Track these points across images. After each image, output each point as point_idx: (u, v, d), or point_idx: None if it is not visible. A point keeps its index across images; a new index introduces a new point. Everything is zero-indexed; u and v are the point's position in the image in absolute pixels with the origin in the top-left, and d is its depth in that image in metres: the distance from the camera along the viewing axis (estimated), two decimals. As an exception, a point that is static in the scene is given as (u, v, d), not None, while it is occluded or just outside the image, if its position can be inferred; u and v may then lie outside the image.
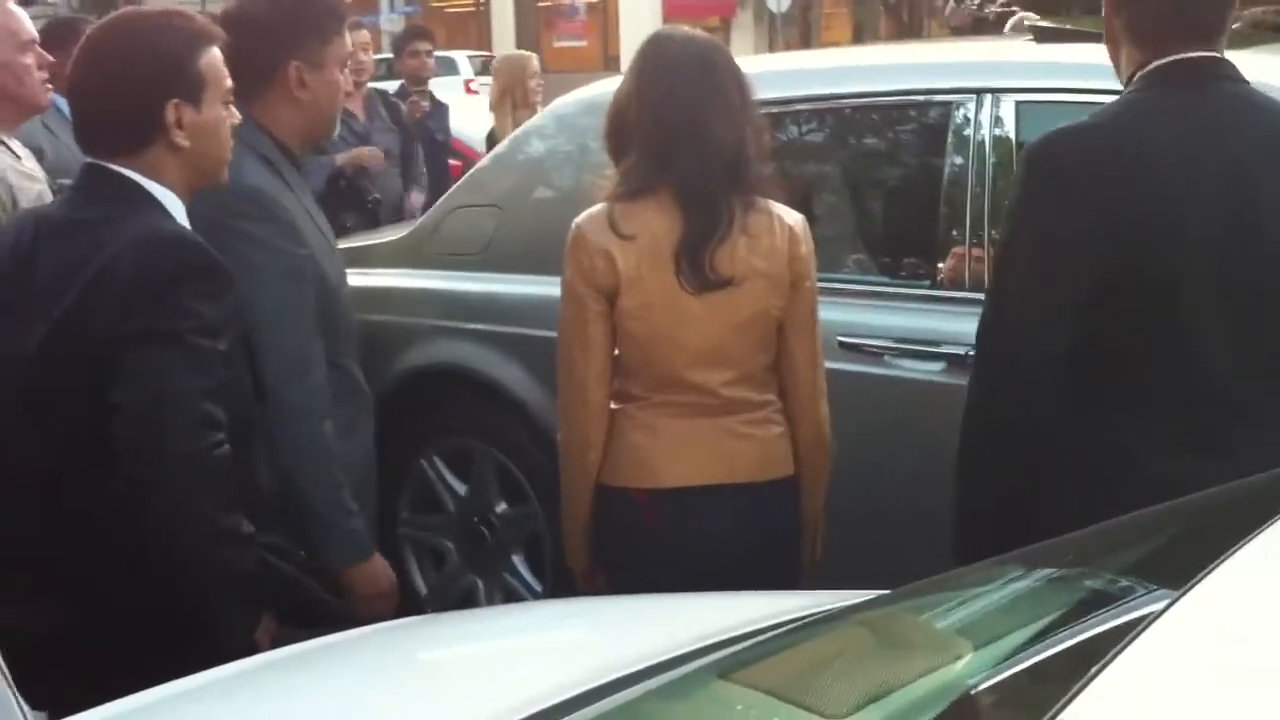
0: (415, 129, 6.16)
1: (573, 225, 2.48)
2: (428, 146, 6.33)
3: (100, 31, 2.16)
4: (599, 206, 2.47)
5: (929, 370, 3.00)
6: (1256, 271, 2.17)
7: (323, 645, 1.91)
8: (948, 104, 3.20)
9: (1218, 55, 2.23)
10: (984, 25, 8.34)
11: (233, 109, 2.20)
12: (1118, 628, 1.30)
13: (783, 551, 2.56)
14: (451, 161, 7.49)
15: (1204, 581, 1.25)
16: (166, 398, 1.93)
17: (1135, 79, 2.25)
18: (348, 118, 5.00)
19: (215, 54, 2.15)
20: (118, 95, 2.09)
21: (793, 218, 2.51)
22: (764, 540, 2.52)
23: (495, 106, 6.55)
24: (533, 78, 6.51)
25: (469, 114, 9.90)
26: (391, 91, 6.86)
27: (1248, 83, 2.24)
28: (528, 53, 7.38)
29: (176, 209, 2.11)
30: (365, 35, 5.69)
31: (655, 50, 2.49)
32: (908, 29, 26.34)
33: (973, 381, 2.29)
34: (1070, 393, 2.20)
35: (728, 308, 2.43)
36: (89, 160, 2.13)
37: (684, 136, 2.41)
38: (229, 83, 2.17)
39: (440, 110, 6.71)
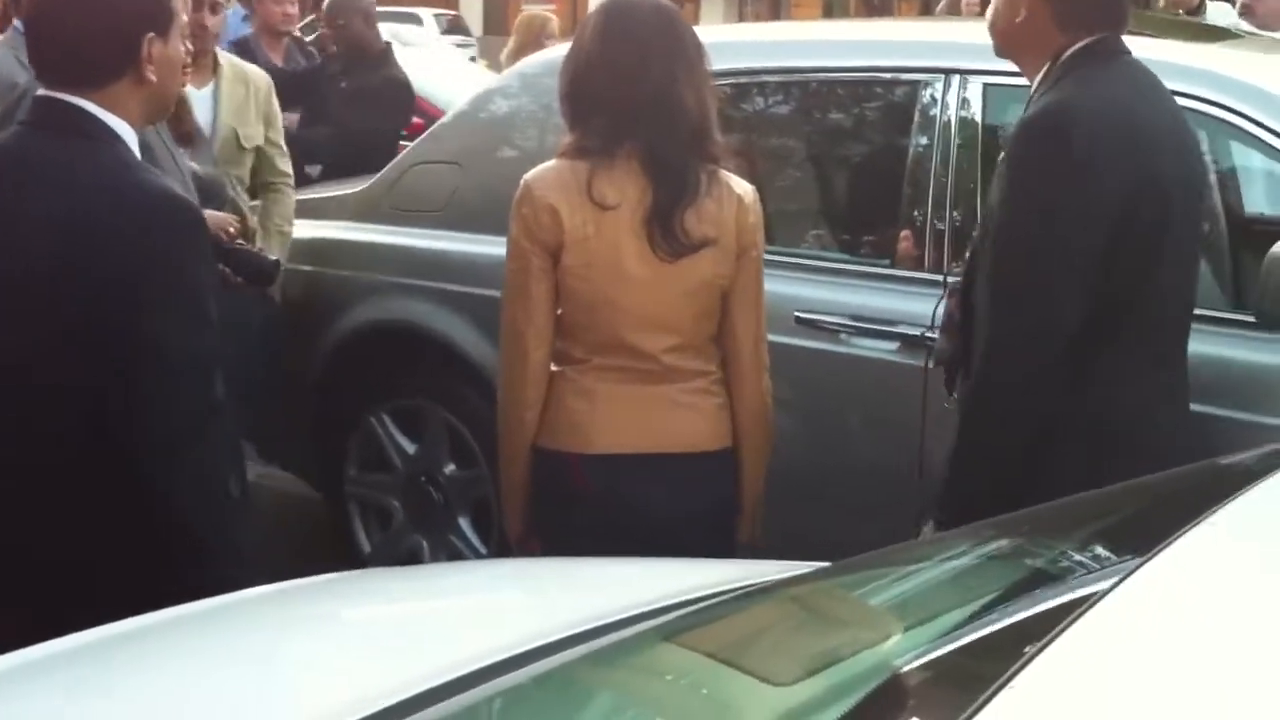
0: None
1: (522, 180, 2.47)
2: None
3: None
4: (551, 163, 2.46)
5: (884, 349, 3.00)
6: (1195, 217, 2.43)
7: (253, 596, 1.89)
8: (915, 83, 3.19)
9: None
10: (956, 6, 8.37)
11: (187, 41, 2.17)
12: (1061, 606, 1.30)
13: (716, 526, 2.53)
14: (416, 120, 7.44)
15: (1150, 563, 1.25)
16: (178, 365, 1.97)
17: (1069, 56, 2.34)
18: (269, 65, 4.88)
19: None
20: (97, 27, 2.04)
21: (742, 187, 2.50)
22: (698, 513, 2.49)
23: (508, 63, 6.53)
24: (550, 39, 6.50)
25: (435, 71, 9.85)
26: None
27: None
28: (547, 14, 7.35)
29: (132, 141, 2.08)
30: None
31: (620, 15, 2.47)
32: (877, 9, 26.33)
33: (987, 352, 2.29)
34: (1071, 361, 2.26)
35: (674, 274, 2.42)
36: (44, 93, 2.08)
37: (654, 102, 2.40)
38: (184, 17, 2.14)
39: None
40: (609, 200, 2.39)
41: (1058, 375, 2.26)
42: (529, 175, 2.47)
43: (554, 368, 2.51)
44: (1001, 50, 2.51)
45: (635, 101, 2.40)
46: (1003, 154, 2.46)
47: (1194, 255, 2.45)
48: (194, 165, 3.46)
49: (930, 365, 2.74)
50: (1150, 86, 2.40)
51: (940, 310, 2.77)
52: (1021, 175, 2.29)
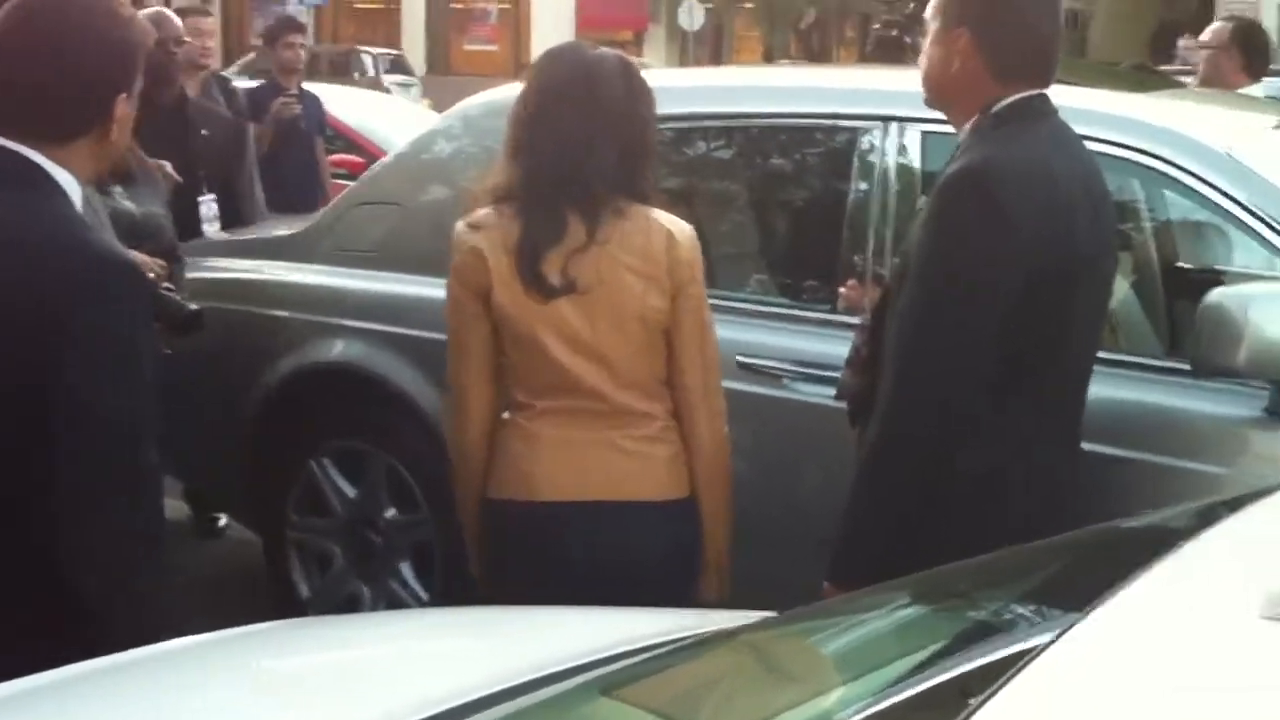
0: (281, 123, 6.19)
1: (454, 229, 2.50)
2: (293, 137, 6.32)
3: (42, 9, 2.00)
4: (479, 211, 2.49)
5: (826, 394, 3.01)
6: (1104, 275, 2.48)
7: (192, 644, 1.85)
8: (854, 129, 3.22)
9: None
10: (889, 46, 8.53)
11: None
12: (1003, 659, 1.30)
13: (666, 579, 2.47)
14: (356, 158, 7.43)
15: (1090, 616, 1.26)
16: (105, 427, 1.91)
17: (997, 111, 2.38)
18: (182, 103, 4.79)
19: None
20: (73, 83, 1.97)
21: (674, 224, 2.49)
22: (646, 565, 2.44)
23: None
24: None
25: (377, 111, 9.83)
26: (264, 82, 6.84)
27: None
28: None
29: (76, 195, 2.03)
30: (210, 23, 5.70)
31: (544, 63, 2.54)
32: (817, 54, 26.69)
33: (892, 403, 2.31)
34: (975, 415, 2.28)
35: (599, 306, 2.41)
36: None
37: (552, 148, 2.43)
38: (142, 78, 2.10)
39: (309, 100, 6.66)
40: (501, 239, 2.42)
41: (964, 423, 2.28)
42: (457, 226, 2.49)
43: (504, 416, 2.50)
44: (933, 100, 2.53)
45: (527, 141, 2.45)
46: (923, 203, 2.49)
47: (1102, 311, 2.50)
48: (130, 205, 3.41)
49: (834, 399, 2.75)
50: (1071, 146, 2.44)
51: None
52: (944, 226, 2.32)
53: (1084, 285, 2.39)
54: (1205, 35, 5.06)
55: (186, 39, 4.85)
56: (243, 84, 7.25)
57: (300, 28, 7.10)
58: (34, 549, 1.88)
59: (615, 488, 2.44)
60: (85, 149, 2.00)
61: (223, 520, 4.68)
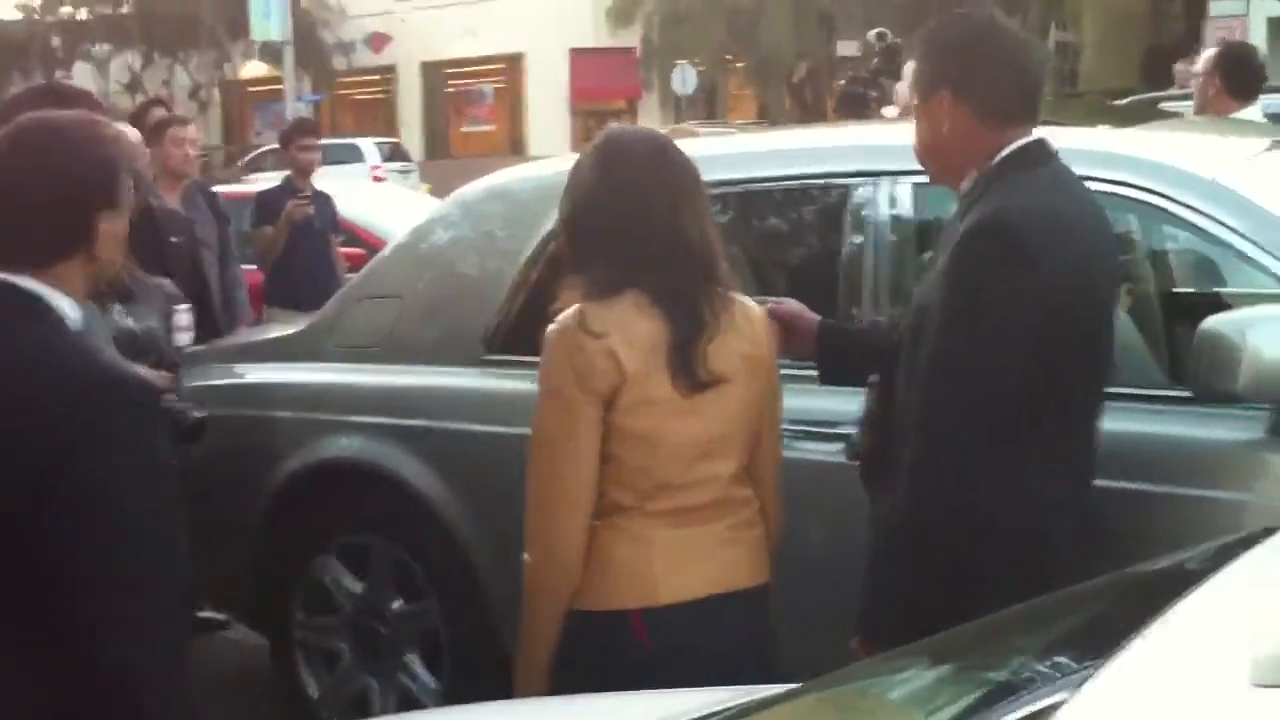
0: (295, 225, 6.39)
1: (555, 326, 2.34)
2: (307, 237, 6.47)
3: (27, 132, 2.02)
4: (581, 307, 2.33)
5: (828, 451, 2.99)
6: (1108, 316, 2.48)
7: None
8: (845, 187, 3.24)
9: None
10: (852, 101, 8.60)
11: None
12: (1028, 716, 1.28)
13: (766, 661, 2.38)
14: (355, 250, 7.48)
15: (1107, 669, 1.24)
16: (142, 536, 1.91)
17: (999, 161, 2.39)
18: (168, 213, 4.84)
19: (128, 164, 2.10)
20: (49, 205, 1.97)
21: (756, 307, 2.46)
22: (754, 650, 2.36)
23: None
24: None
25: (376, 201, 9.91)
26: (278, 184, 6.95)
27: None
28: None
29: (76, 315, 2.04)
30: (191, 131, 5.75)
31: (616, 151, 2.42)
32: (811, 110, 26.87)
33: (920, 453, 2.28)
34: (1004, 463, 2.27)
35: (723, 399, 2.34)
36: None
37: (660, 237, 2.33)
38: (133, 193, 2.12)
39: (322, 200, 6.79)
40: (634, 336, 2.29)
41: (993, 462, 2.26)
42: (565, 321, 2.33)
43: (593, 522, 2.35)
44: (935, 171, 2.54)
45: (644, 239, 2.33)
46: (939, 257, 2.47)
47: (1108, 345, 2.49)
48: (130, 323, 3.42)
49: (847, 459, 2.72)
50: (1074, 188, 2.46)
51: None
52: (967, 275, 2.31)
53: (1096, 323, 2.40)
54: (1197, 65, 5.07)
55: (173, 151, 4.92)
56: (255, 185, 7.36)
57: (314, 129, 7.20)
58: (75, 640, 1.88)
59: (727, 579, 2.36)
60: (75, 269, 2.01)
61: (220, 617, 4.66)
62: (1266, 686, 1.17)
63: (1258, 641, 1.26)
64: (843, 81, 11.39)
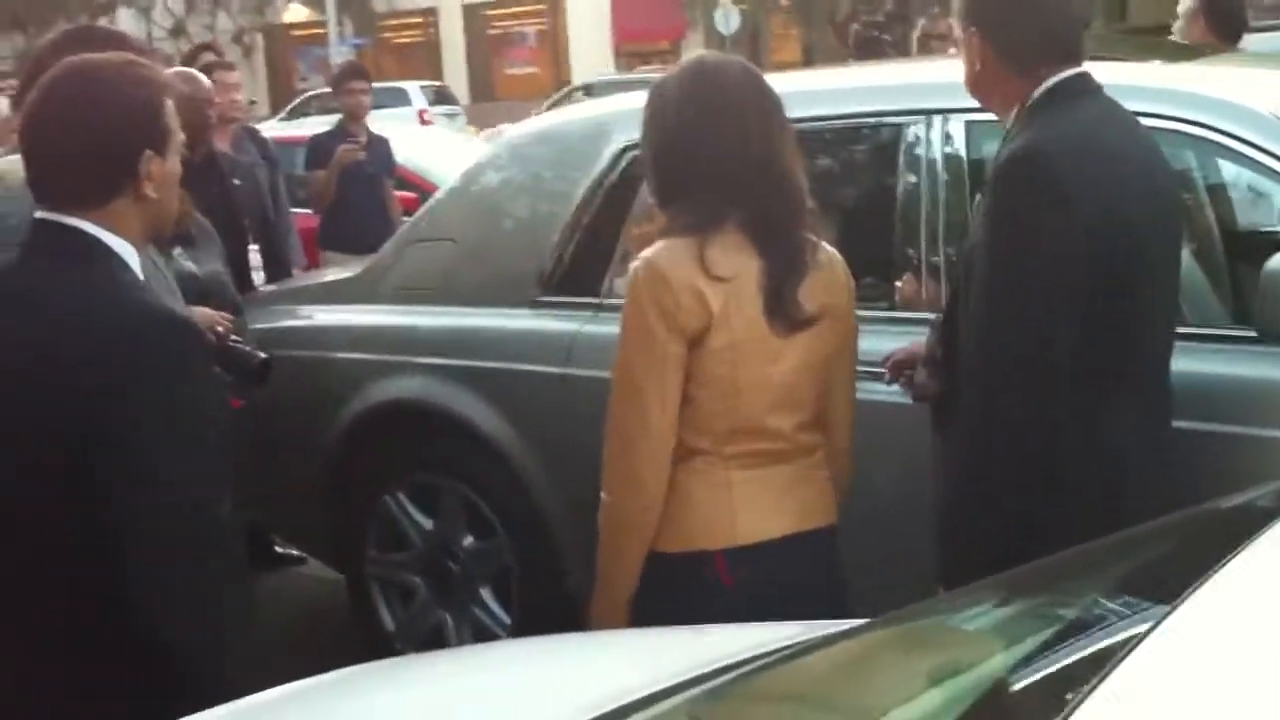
0: (345, 168, 6.42)
1: (640, 263, 2.27)
2: (359, 181, 6.50)
3: (63, 79, 2.07)
4: (667, 243, 2.26)
5: (890, 391, 3.00)
6: (1170, 253, 2.45)
7: (283, 695, 1.87)
8: (899, 125, 3.21)
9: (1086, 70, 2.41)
10: (871, 45, 8.50)
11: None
12: (1102, 650, 1.30)
13: (840, 598, 2.39)
14: (408, 194, 7.50)
15: (1188, 601, 1.25)
16: (168, 494, 1.93)
17: (1037, 97, 2.36)
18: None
19: (172, 104, 2.11)
20: (92, 146, 2.02)
21: (837, 254, 2.40)
22: (828, 587, 2.38)
23: None
24: None
25: (423, 145, 9.90)
26: (330, 128, 6.96)
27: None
28: None
29: (133, 260, 2.07)
30: (234, 76, 5.75)
31: (711, 78, 2.31)
32: (864, 47, 26.47)
33: (985, 395, 2.27)
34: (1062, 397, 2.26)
35: (805, 345, 2.30)
36: (41, 215, 2.05)
37: (760, 171, 2.26)
38: (181, 134, 2.14)
39: (379, 143, 6.78)
40: (724, 274, 2.22)
41: (1056, 407, 2.25)
42: (652, 257, 2.25)
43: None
44: (977, 99, 2.55)
45: (740, 171, 2.25)
46: (980, 195, 2.47)
47: (1173, 284, 2.45)
48: (192, 266, 3.46)
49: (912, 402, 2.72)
50: (1120, 120, 2.42)
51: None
52: (1002, 212, 2.30)
53: (1148, 258, 2.35)
54: (1180, 4, 4.96)
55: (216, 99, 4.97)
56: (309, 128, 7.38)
57: (364, 73, 7.17)
58: (116, 602, 1.92)
59: (803, 518, 2.36)
60: (125, 209, 2.04)
61: (297, 553, 4.74)
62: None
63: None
64: (857, 26, 11.28)
